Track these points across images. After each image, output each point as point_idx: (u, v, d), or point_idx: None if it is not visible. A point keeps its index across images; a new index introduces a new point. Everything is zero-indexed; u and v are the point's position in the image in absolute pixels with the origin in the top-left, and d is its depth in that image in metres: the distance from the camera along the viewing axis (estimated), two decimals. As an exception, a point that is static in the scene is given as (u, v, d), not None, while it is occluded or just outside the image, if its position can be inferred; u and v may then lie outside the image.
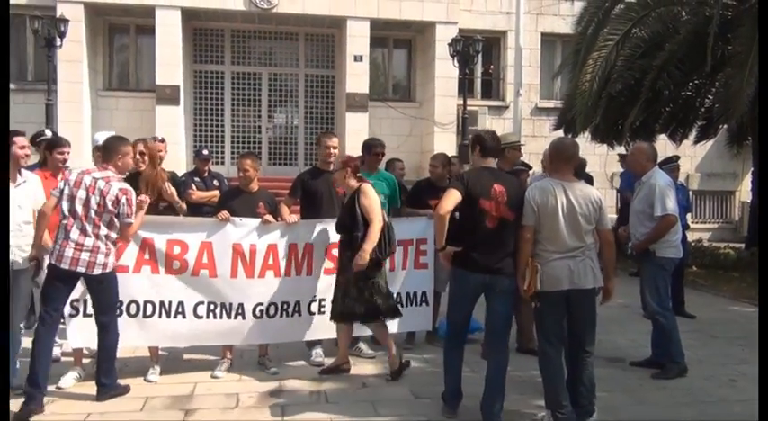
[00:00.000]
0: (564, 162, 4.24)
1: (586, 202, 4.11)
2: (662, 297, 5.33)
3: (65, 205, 4.42)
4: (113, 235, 4.50)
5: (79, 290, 4.72)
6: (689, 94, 10.77)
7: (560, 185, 4.11)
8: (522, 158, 6.41)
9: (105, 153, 4.67)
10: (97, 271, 4.42)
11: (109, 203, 4.43)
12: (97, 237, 4.42)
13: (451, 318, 4.49)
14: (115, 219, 4.47)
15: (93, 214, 4.42)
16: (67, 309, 4.76)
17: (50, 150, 5.54)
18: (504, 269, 4.19)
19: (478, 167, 4.38)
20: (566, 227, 4.04)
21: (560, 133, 11.51)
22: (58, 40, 12.52)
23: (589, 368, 4.24)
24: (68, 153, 5.59)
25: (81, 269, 4.37)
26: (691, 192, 11.51)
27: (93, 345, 4.79)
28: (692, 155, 15.18)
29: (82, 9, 13.25)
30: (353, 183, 5.06)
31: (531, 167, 7.25)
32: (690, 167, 15.73)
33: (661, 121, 11.04)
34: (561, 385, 4.14)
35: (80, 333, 4.85)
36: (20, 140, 4.73)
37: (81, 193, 4.42)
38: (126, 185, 4.56)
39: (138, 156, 5.19)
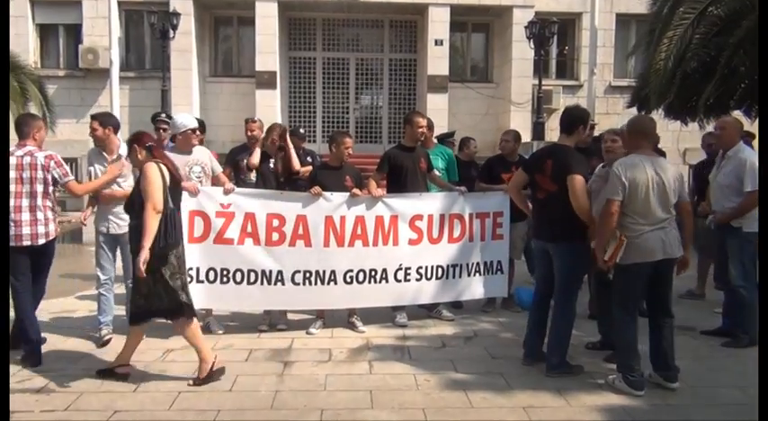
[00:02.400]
0: (645, 138, 4.09)
1: (672, 176, 3.99)
2: (747, 270, 5.00)
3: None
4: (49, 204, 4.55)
5: (191, 257, 4.92)
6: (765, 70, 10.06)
7: (648, 160, 3.97)
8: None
9: (21, 130, 4.63)
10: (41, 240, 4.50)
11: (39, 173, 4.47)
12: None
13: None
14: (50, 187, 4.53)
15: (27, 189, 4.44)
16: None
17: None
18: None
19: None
20: (656, 200, 3.91)
21: (634, 111, 11.00)
22: (171, 32, 12.96)
23: (672, 332, 4.14)
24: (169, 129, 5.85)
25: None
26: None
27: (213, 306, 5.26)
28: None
29: (191, 4, 13.66)
30: (141, 161, 4.18)
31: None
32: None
33: (736, 98, 10.38)
34: (635, 350, 4.04)
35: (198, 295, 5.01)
36: (94, 124, 5.04)
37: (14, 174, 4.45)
38: (50, 152, 4.61)
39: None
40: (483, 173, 6.11)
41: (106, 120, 5.08)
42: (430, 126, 6.05)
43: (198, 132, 5.24)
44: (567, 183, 4.15)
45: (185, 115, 5.42)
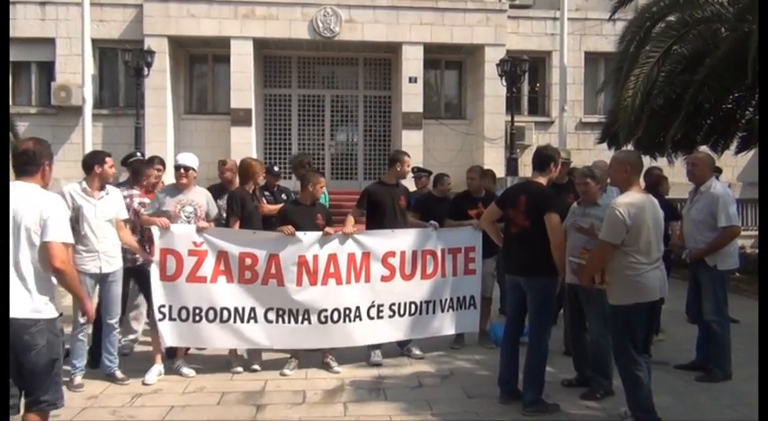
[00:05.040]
0: (638, 175, 4.14)
1: (661, 214, 4.05)
2: (720, 304, 5.06)
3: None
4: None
5: (163, 295, 4.90)
6: (729, 106, 10.35)
7: (647, 198, 4.01)
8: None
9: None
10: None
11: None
12: None
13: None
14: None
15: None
16: (157, 315, 4.95)
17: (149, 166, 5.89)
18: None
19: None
20: (654, 239, 3.95)
21: (604, 146, 11.24)
22: (146, 69, 12.94)
23: (650, 370, 4.13)
24: (163, 171, 5.85)
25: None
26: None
27: (185, 344, 5.24)
28: (733, 165, 14.61)
29: (166, 42, 13.68)
30: None
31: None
32: (732, 177, 15.13)
33: (702, 133, 10.63)
34: (650, 390, 4.02)
35: (171, 333, 5.00)
36: (110, 160, 4.92)
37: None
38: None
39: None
40: (451, 209, 6.15)
41: None
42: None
43: (182, 171, 5.15)
44: (545, 222, 4.20)
45: (183, 154, 5.37)
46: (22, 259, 3.14)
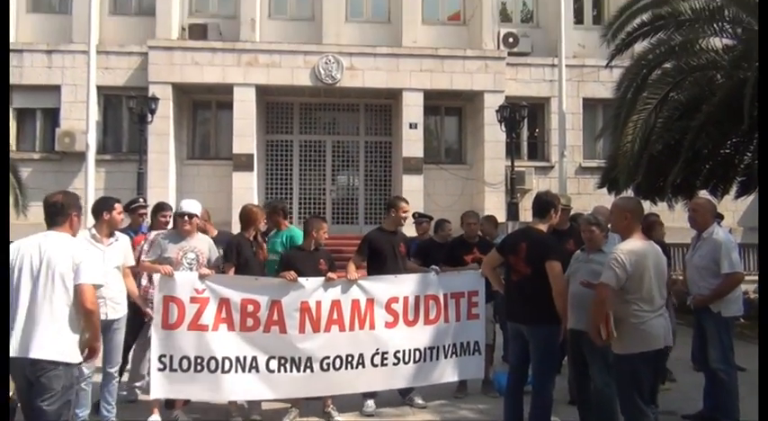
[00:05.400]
0: (638, 221, 4.14)
1: (664, 260, 4.03)
2: (726, 352, 5.00)
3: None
4: None
5: (164, 344, 4.83)
6: (728, 151, 10.43)
7: (649, 245, 4.00)
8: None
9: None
10: None
11: None
12: None
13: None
14: None
15: None
16: (157, 365, 4.87)
17: (155, 214, 5.87)
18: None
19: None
20: (656, 285, 3.92)
21: (604, 191, 11.28)
22: (150, 116, 13.12)
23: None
24: (170, 216, 5.85)
25: None
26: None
27: (177, 396, 5.07)
28: (734, 209, 14.64)
29: (170, 89, 13.89)
30: None
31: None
32: (732, 222, 15.14)
33: (701, 178, 10.69)
34: None
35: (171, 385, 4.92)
36: (119, 207, 4.95)
37: None
38: None
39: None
40: (446, 255, 6.14)
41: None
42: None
43: (186, 218, 5.17)
44: (547, 269, 4.20)
45: (187, 201, 5.40)
46: (56, 302, 3.43)
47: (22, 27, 14.53)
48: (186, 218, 5.13)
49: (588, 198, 13.81)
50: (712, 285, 4.98)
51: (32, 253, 3.49)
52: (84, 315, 3.50)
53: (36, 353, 3.32)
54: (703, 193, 11.36)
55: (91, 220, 5.01)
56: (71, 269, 3.47)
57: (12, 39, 14.23)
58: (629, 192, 11.11)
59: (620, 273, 3.84)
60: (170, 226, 5.86)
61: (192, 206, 5.23)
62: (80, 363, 3.57)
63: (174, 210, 6.03)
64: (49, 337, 3.35)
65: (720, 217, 7.08)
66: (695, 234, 5.31)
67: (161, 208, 6.02)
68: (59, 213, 3.66)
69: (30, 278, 3.45)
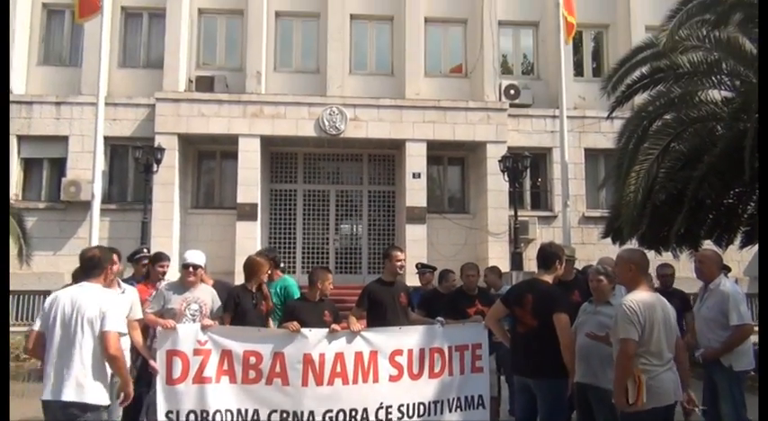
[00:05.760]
0: (645, 273, 4.10)
1: (673, 313, 3.98)
2: (738, 408, 4.91)
3: None
4: None
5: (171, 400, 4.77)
6: (731, 201, 10.44)
7: (657, 297, 3.96)
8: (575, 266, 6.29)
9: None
10: None
11: None
12: None
13: None
14: None
15: None
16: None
17: (153, 264, 5.84)
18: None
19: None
20: (665, 339, 3.85)
21: (608, 241, 11.25)
22: (155, 166, 13.24)
23: None
24: (167, 266, 5.84)
25: None
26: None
27: None
28: (739, 259, 14.57)
29: (176, 139, 14.08)
30: None
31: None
32: (738, 271, 15.05)
33: (705, 228, 10.67)
34: None
35: None
36: (116, 257, 4.94)
37: None
38: None
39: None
40: (448, 308, 6.07)
41: None
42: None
43: (191, 269, 5.16)
44: (554, 322, 4.15)
45: (192, 252, 5.39)
46: (85, 348, 3.73)
47: (32, 79, 14.85)
48: (192, 269, 5.13)
49: (592, 248, 13.80)
50: (721, 338, 4.91)
51: (66, 302, 3.84)
52: (108, 361, 3.78)
53: (67, 396, 3.63)
54: (708, 243, 11.33)
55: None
56: (98, 317, 3.78)
57: (22, 91, 14.54)
58: (634, 242, 11.08)
59: (637, 326, 3.76)
60: (167, 276, 5.84)
61: (197, 257, 5.23)
62: (108, 406, 3.83)
63: (168, 260, 6.03)
64: (79, 382, 3.66)
65: (727, 268, 7.04)
66: (702, 285, 5.26)
67: (159, 258, 5.99)
68: (96, 267, 4.01)
69: (62, 325, 3.77)
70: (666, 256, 10.74)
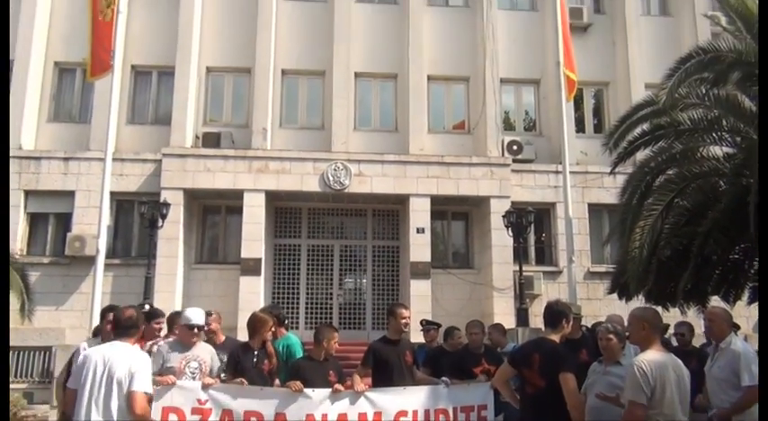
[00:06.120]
0: (657, 332, 4.04)
1: (687, 374, 3.89)
2: None
3: None
4: None
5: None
6: (737, 257, 10.39)
7: (670, 357, 3.89)
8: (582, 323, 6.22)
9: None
10: None
11: None
12: None
13: None
14: None
15: None
16: None
17: (148, 321, 5.74)
18: None
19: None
20: (679, 401, 3.76)
21: (615, 297, 11.15)
22: (160, 221, 13.29)
23: None
24: (164, 323, 5.78)
25: None
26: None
27: None
28: (747, 315, 14.35)
29: (182, 194, 14.17)
30: None
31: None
32: (747, 327, 14.83)
33: (712, 284, 10.57)
34: None
35: None
36: (109, 316, 4.93)
37: None
38: None
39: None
40: (454, 368, 5.97)
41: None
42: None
43: (196, 330, 5.13)
44: (560, 382, 4.07)
45: (192, 310, 5.35)
46: (113, 406, 3.82)
47: (41, 135, 15.08)
48: (196, 330, 5.09)
49: (598, 303, 13.68)
50: (733, 398, 4.79)
51: (98, 360, 3.95)
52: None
53: None
54: (715, 299, 11.21)
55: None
56: (127, 376, 3.88)
57: (31, 146, 14.75)
58: (640, 298, 10.98)
59: (646, 389, 3.68)
60: (163, 333, 5.77)
61: (199, 317, 5.20)
62: None
63: (164, 317, 5.95)
64: None
65: (737, 327, 6.94)
66: (713, 344, 5.18)
67: (154, 315, 5.87)
68: (132, 327, 4.16)
69: (92, 382, 3.88)
70: (674, 312, 10.62)
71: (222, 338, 5.91)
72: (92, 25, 9.57)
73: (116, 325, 4.22)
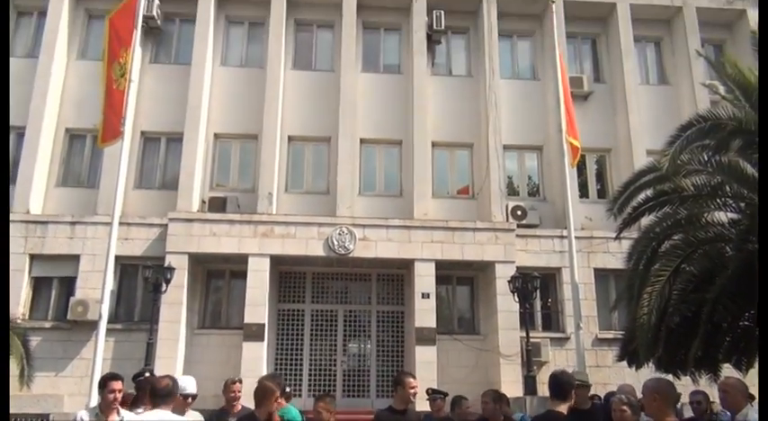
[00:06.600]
0: (671, 405, 3.97)
1: None
2: None
3: None
4: None
5: None
6: (747, 324, 10.25)
7: None
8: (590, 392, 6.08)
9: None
10: None
11: None
12: None
13: None
14: None
15: None
16: None
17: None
18: None
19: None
20: None
21: (624, 365, 10.94)
22: (164, 285, 13.24)
23: None
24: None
25: None
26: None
27: None
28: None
29: (187, 259, 14.17)
30: None
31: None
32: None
33: (723, 351, 10.40)
34: None
35: None
36: (113, 384, 4.85)
37: None
38: None
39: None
40: None
41: None
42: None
43: (190, 400, 5.07)
44: None
45: (186, 379, 5.29)
46: None
47: (49, 199, 15.23)
48: (190, 400, 5.03)
49: (608, 371, 13.43)
50: (753, 472, 4.65)
51: None
52: None
53: None
54: (727, 367, 10.99)
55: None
56: None
57: (38, 210, 14.88)
58: (650, 366, 10.78)
59: None
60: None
61: (193, 386, 5.15)
62: None
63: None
64: None
65: (753, 398, 6.78)
66: (728, 417, 5.06)
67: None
68: (168, 395, 4.39)
69: None
70: (685, 380, 10.41)
71: (239, 407, 5.75)
72: (105, 93, 9.82)
73: (153, 394, 4.39)
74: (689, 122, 9.70)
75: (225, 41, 17.08)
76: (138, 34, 10.45)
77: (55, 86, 15.69)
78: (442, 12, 16.71)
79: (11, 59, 15.99)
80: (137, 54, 10.41)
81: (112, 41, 9.91)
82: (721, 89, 11.57)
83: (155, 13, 15.94)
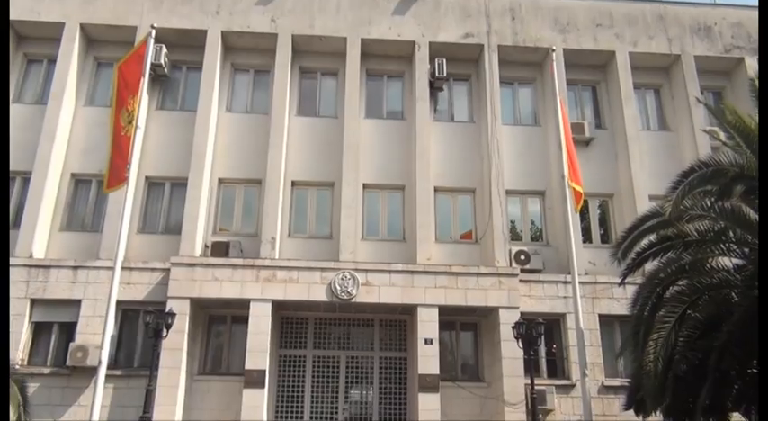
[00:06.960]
0: None
1: None
2: None
3: None
4: None
5: None
6: (755, 371, 10.12)
7: None
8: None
9: None
10: None
11: None
12: None
13: None
14: None
15: None
16: None
17: None
18: None
19: None
20: None
21: (632, 414, 10.77)
22: (165, 330, 13.12)
23: None
24: None
25: None
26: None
27: None
28: (771, 433, 13.76)
29: (188, 304, 14.08)
30: None
31: None
32: (772, 446, 14.15)
33: (732, 399, 10.24)
34: None
35: None
36: None
37: None
38: None
39: None
40: None
41: None
42: None
43: None
44: None
45: None
46: None
47: (53, 244, 15.24)
48: None
49: (615, 420, 13.17)
50: None
51: None
52: None
53: None
54: (736, 415, 10.83)
55: None
56: None
57: (41, 255, 14.88)
58: (658, 414, 10.59)
59: None
60: None
61: None
62: None
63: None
64: None
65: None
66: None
67: None
68: None
69: None
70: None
71: None
72: (112, 139, 9.96)
73: None
74: (691, 168, 9.79)
75: (231, 88, 17.37)
76: (145, 82, 10.66)
77: (62, 132, 15.89)
78: (444, 60, 17.01)
79: (20, 106, 16.29)
80: (143, 101, 10.59)
81: (121, 89, 10.11)
82: (722, 135, 11.71)
83: (162, 61, 16.26)
